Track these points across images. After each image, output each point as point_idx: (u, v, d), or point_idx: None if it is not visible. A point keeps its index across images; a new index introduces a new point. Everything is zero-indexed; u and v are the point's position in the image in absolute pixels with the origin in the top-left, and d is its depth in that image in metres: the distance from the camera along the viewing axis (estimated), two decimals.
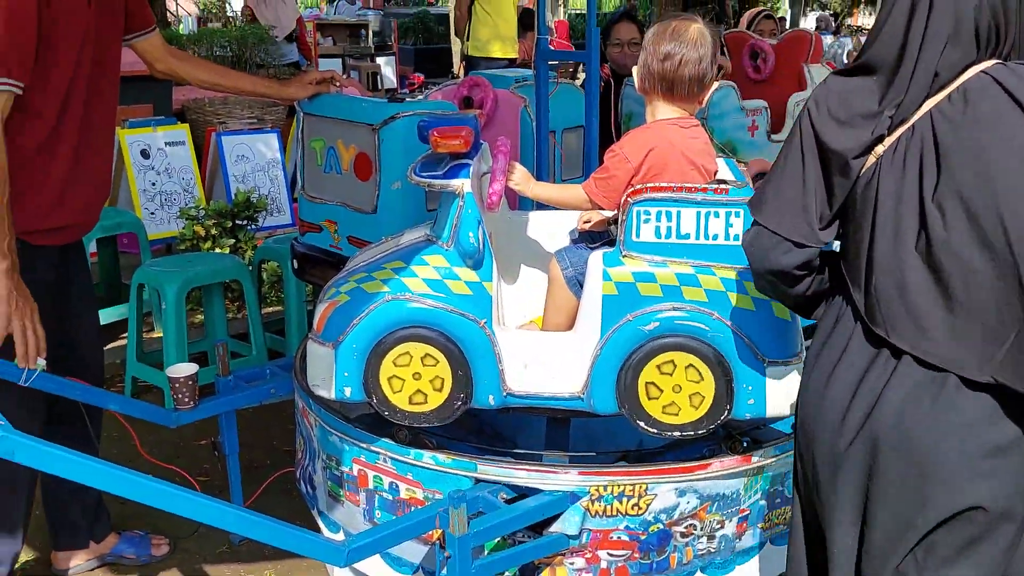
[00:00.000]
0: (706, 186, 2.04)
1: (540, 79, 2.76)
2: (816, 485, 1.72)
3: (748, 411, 2.11)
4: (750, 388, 2.08)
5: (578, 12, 21.12)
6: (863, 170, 1.58)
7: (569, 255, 2.24)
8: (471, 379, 2.12)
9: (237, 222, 4.78)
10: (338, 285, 2.21)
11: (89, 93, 2.40)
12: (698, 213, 2.03)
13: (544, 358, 2.13)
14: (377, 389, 2.14)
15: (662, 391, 2.09)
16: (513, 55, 7.52)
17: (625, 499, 2.21)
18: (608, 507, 2.20)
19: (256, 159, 5.61)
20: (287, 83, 2.88)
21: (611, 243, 2.22)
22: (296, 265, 3.15)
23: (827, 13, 21.54)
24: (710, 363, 2.06)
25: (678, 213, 2.03)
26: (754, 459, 2.28)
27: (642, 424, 2.12)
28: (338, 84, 2.83)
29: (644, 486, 2.21)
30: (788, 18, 16.44)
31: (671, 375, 2.08)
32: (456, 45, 12.86)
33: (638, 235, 2.05)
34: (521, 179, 2.22)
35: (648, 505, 2.21)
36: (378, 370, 2.12)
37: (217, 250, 4.55)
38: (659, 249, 2.05)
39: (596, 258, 2.09)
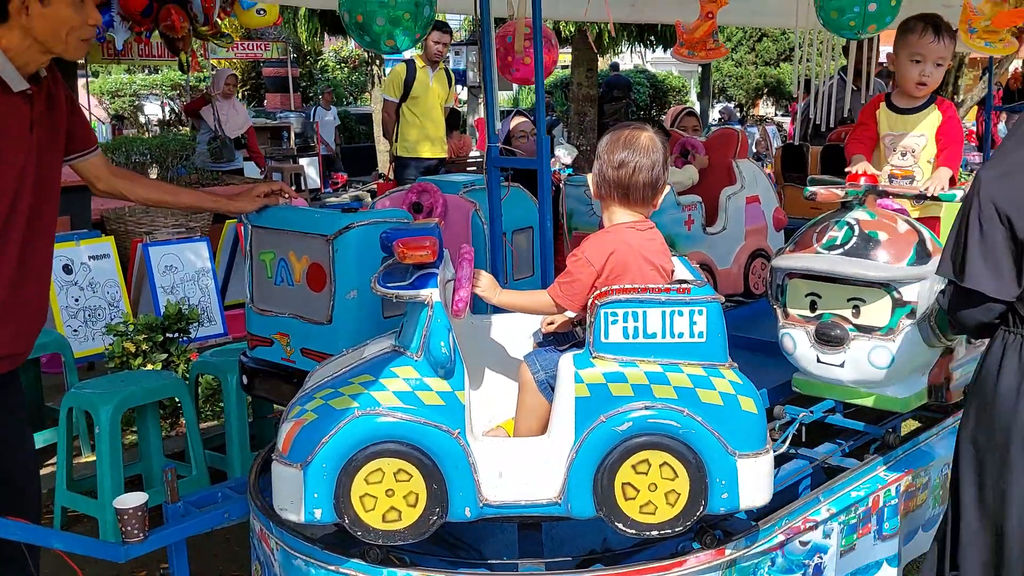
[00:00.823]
0: (669, 286, 2.09)
1: (492, 184, 2.81)
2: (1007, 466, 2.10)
3: (722, 505, 2.12)
4: (723, 482, 2.10)
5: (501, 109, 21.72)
6: None
7: (539, 359, 2.25)
8: (446, 492, 2.08)
9: (168, 335, 4.65)
10: (303, 403, 2.16)
11: (30, 219, 2.35)
12: (663, 313, 2.07)
13: (519, 465, 2.11)
14: (349, 509, 2.08)
15: (638, 491, 2.09)
16: (442, 155, 7.66)
17: None
18: None
19: (185, 269, 5.51)
20: (235, 197, 2.86)
21: (579, 344, 2.24)
22: (246, 380, 3.08)
23: (731, 105, 22.61)
24: (684, 460, 2.08)
25: (644, 313, 2.07)
26: (727, 552, 2.29)
27: (620, 525, 2.11)
28: (287, 196, 2.83)
29: None
30: (698, 109, 17.21)
31: (646, 474, 2.08)
32: (382, 145, 13.04)
33: (607, 336, 2.08)
34: (488, 287, 2.23)
35: None
36: (349, 489, 2.07)
37: (149, 366, 4.41)
38: (628, 349, 2.08)
39: (567, 361, 2.10)
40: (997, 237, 2.01)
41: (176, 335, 4.68)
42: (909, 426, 3.48)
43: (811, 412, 2.92)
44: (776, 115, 24.20)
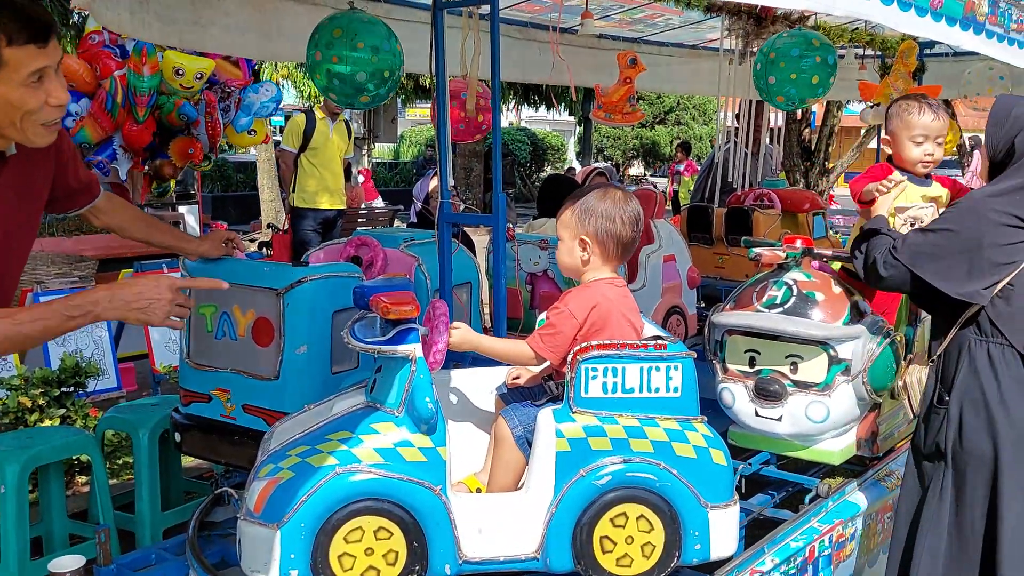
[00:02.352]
0: (646, 342, 2.16)
1: (444, 239, 2.83)
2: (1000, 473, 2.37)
3: (695, 555, 2.18)
4: (696, 533, 2.16)
5: (378, 160, 21.69)
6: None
7: (516, 414, 2.27)
8: (426, 550, 2.05)
9: (64, 390, 4.40)
10: (275, 460, 2.10)
11: None
12: (641, 368, 2.13)
13: (499, 521, 2.11)
14: (327, 569, 2.02)
15: (615, 544, 2.12)
16: (340, 206, 7.60)
17: None
18: None
19: None
20: (203, 240, 2.78)
21: (554, 399, 2.27)
22: (179, 438, 2.95)
23: (610, 164, 23.42)
24: (660, 512, 2.13)
25: (623, 369, 2.13)
26: None
27: None
28: (239, 248, 2.77)
29: None
30: (577, 167, 17.79)
31: (624, 527, 2.12)
32: (266, 194, 12.78)
33: (587, 391, 2.12)
34: (464, 335, 2.24)
35: None
36: (327, 549, 2.01)
37: (47, 422, 4.14)
38: (607, 404, 2.13)
39: (547, 416, 2.13)
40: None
41: (72, 389, 4.43)
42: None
43: (749, 464, 3.04)
44: (647, 176, 25.22)
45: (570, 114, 23.24)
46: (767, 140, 6.37)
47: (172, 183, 6.57)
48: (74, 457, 4.09)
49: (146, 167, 6.26)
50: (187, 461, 4.47)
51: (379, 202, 13.19)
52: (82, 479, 4.32)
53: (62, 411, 4.27)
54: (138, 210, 2.82)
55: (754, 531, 2.95)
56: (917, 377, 2.70)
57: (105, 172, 6.03)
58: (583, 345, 2.13)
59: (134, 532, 3.78)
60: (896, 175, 2.95)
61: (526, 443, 2.22)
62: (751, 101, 5.41)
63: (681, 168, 13.84)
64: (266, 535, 2.02)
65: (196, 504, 3.30)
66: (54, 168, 2.23)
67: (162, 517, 3.76)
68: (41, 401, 4.21)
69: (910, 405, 2.73)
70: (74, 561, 2.37)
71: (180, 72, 5.56)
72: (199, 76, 5.65)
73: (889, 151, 3.05)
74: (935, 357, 2.60)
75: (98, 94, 5.68)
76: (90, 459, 3.63)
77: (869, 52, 5.59)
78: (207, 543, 2.71)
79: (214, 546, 2.71)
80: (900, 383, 2.77)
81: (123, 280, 1.98)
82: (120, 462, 4.56)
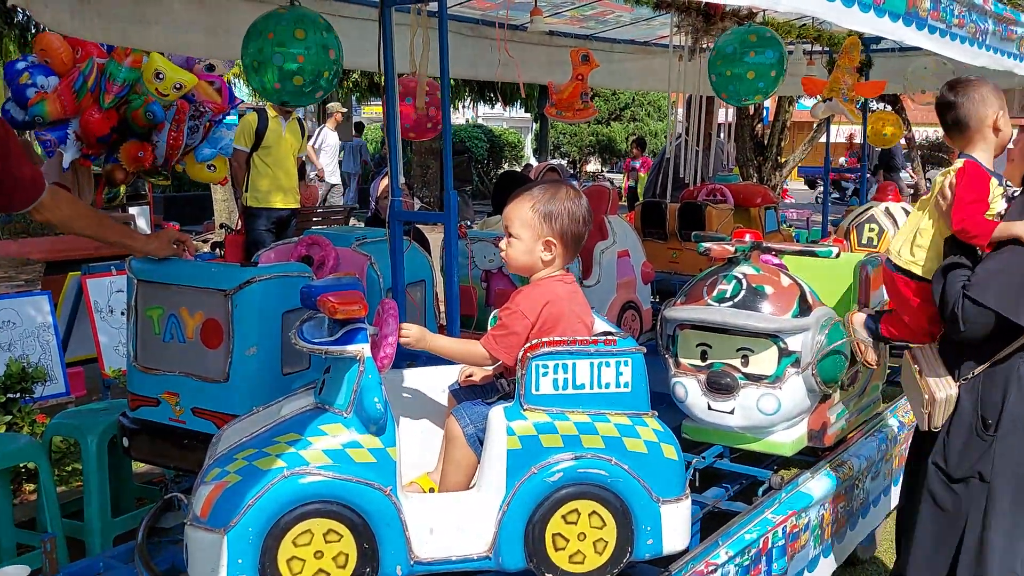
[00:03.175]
0: (597, 338, 2.16)
1: (395, 238, 2.81)
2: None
3: (647, 551, 2.18)
4: (648, 528, 2.16)
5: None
6: None
7: (468, 412, 2.25)
8: (377, 552, 2.03)
9: (10, 396, 4.29)
10: (222, 464, 2.06)
11: None
12: (591, 364, 2.13)
13: (450, 521, 2.10)
14: (275, 573, 1.98)
15: (568, 541, 2.12)
16: (294, 205, 7.51)
17: None
18: None
19: (24, 324, 5.11)
20: (151, 238, 2.72)
21: (505, 397, 2.26)
22: (127, 443, 2.89)
23: (565, 161, 23.49)
24: (612, 508, 2.13)
25: (574, 365, 2.12)
26: None
27: None
28: (188, 250, 2.72)
29: None
30: (534, 164, 17.81)
31: (576, 524, 2.12)
32: (219, 194, 12.60)
33: (537, 388, 2.12)
34: (417, 335, 2.22)
35: None
36: (276, 553, 1.98)
37: None
38: (558, 400, 2.13)
39: (497, 413, 2.12)
40: None
41: (19, 395, 4.33)
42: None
43: (703, 457, 3.06)
44: (603, 172, 25.31)
45: (526, 111, 23.27)
46: (719, 136, 6.43)
47: (122, 188, 6.44)
48: (21, 464, 4.00)
49: (94, 164, 6.13)
50: (139, 466, 4.39)
51: (336, 203, 13.10)
52: (29, 487, 4.23)
53: (8, 418, 4.17)
54: (85, 205, 2.77)
55: (709, 524, 2.98)
56: (947, 395, 2.56)
57: (50, 153, 5.90)
58: (534, 342, 2.12)
59: (84, 540, 3.70)
60: (994, 184, 2.64)
61: (477, 442, 2.21)
62: (701, 97, 5.45)
63: (637, 164, 13.94)
64: (213, 541, 1.98)
65: (147, 510, 3.24)
66: None
67: (112, 524, 3.68)
68: None
69: (928, 418, 2.60)
70: (18, 571, 2.34)
71: (160, 76, 5.44)
72: (178, 87, 5.55)
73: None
74: (967, 378, 2.54)
75: (70, 73, 5.54)
76: (37, 466, 3.54)
77: (817, 48, 5.66)
78: (157, 549, 2.66)
79: (164, 552, 2.67)
80: (927, 397, 2.57)
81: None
82: (69, 468, 4.47)
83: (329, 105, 14.53)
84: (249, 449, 2.07)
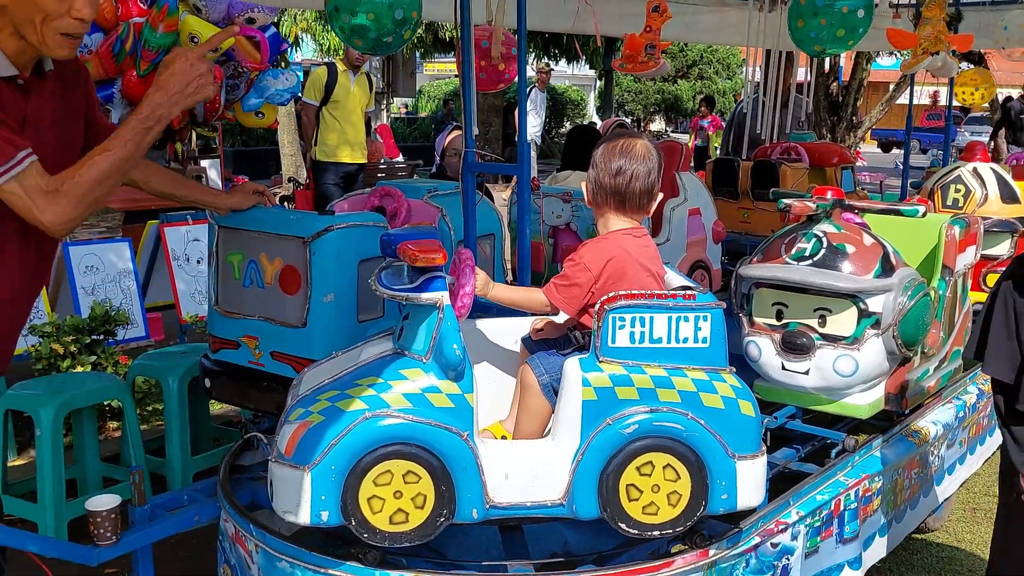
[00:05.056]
0: (675, 292, 2.15)
1: (468, 189, 2.81)
2: None
3: (721, 505, 2.18)
4: (723, 483, 2.16)
5: (396, 116, 21.62)
6: None
7: (543, 362, 2.27)
8: (454, 494, 2.08)
9: (94, 337, 4.46)
10: (306, 404, 2.12)
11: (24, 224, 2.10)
12: (669, 318, 2.12)
13: (525, 467, 2.13)
14: (356, 511, 2.04)
15: (642, 492, 2.13)
16: (362, 160, 7.58)
17: None
18: None
19: (106, 269, 5.27)
20: (231, 194, 2.77)
21: (580, 349, 2.27)
22: (208, 383, 2.98)
23: (627, 119, 23.18)
24: (687, 462, 2.13)
25: (651, 319, 2.12)
26: (711, 553, 2.36)
27: (623, 526, 2.15)
28: (268, 199, 2.77)
29: None
30: (598, 122, 17.63)
31: (650, 476, 2.13)
32: (287, 148, 12.78)
33: (614, 340, 2.12)
34: (482, 284, 2.25)
35: None
36: (357, 491, 2.04)
37: (79, 368, 4.21)
38: (634, 354, 2.13)
39: (573, 364, 2.13)
40: None
41: (103, 337, 4.49)
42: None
43: (775, 418, 3.04)
44: (668, 131, 24.90)
45: (591, 68, 22.95)
46: (801, 93, 6.26)
47: (179, 147, 6.49)
48: (106, 403, 4.16)
49: None
50: (215, 408, 4.54)
51: (399, 159, 13.16)
52: (113, 424, 4.40)
53: (93, 358, 4.33)
54: (160, 165, 2.81)
55: (778, 485, 2.96)
56: None
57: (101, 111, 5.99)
58: (611, 295, 2.12)
59: (164, 476, 3.85)
60: None
61: (551, 391, 2.23)
62: (779, 52, 5.31)
63: (705, 123, 13.68)
64: (297, 477, 2.05)
65: (226, 449, 3.35)
66: (86, 100, 2.24)
67: (192, 462, 3.82)
68: (73, 348, 4.27)
69: None
70: (110, 500, 2.44)
71: (195, 39, 5.47)
72: (215, 49, 5.56)
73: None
74: None
75: (110, 35, 5.62)
76: (121, 404, 3.69)
77: (903, 1, 5.46)
78: (237, 486, 2.76)
79: (244, 489, 2.76)
80: None
81: (159, 79, 2.07)
82: (150, 408, 4.64)
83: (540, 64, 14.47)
84: (332, 391, 2.12)
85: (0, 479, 3.44)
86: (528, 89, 13.56)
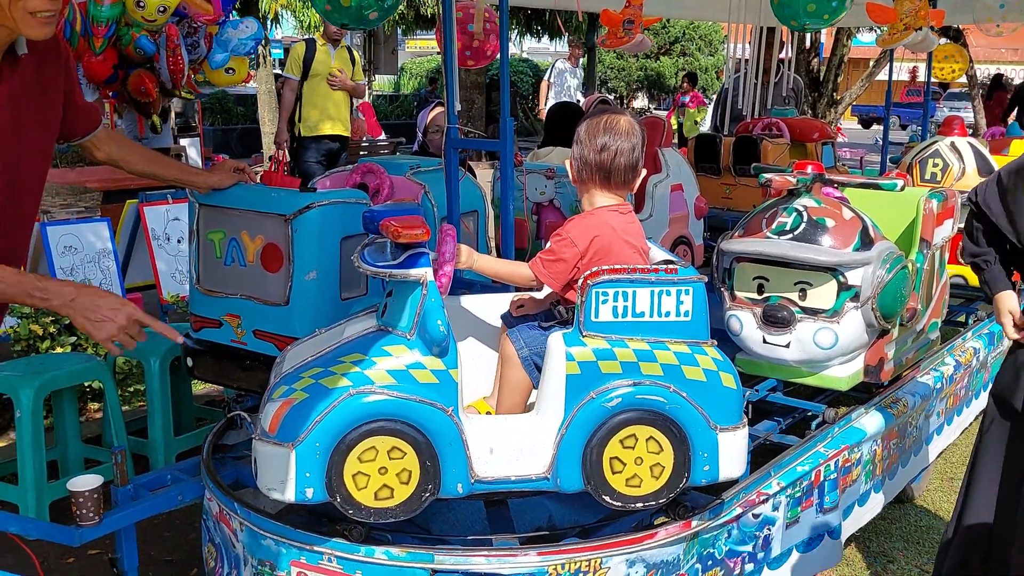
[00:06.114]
0: (657, 266, 2.16)
1: (451, 165, 2.81)
2: None
3: (703, 477, 2.21)
4: (705, 455, 2.19)
5: (379, 93, 21.46)
6: None
7: (523, 335, 2.28)
8: (439, 469, 2.09)
9: None
10: (289, 382, 2.12)
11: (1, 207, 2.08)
12: (652, 292, 2.14)
13: (510, 442, 2.14)
14: (341, 487, 2.05)
15: (625, 464, 2.15)
16: (344, 133, 7.54)
17: (581, 575, 2.24)
18: None
19: (85, 250, 5.22)
20: (211, 172, 2.75)
21: (563, 323, 2.28)
22: (191, 363, 2.97)
23: (610, 96, 23.10)
24: (669, 434, 2.15)
25: (634, 293, 2.13)
26: (693, 524, 2.39)
27: (607, 498, 2.17)
28: (249, 176, 2.75)
29: (599, 560, 2.25)
30: (581, 99, 17.55)
31: (633, 448, 2.15)
32: (267, 127, 12.68)
33: (597, 315, 2.13)
34: (466, 256, 2.25)
35: None
36: (342, 468, 2.04)
37: (58, 349, 4.18)
38: (617, 328, 2.14)
39: (557, 339, 2.14)
40: None
41: None
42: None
43: (756, 391, 3.07)
44: (651, 108, 24.85)
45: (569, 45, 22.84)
46: (789, 70, 6.26)
47: (156, 119, 6.40)
48: (86, 384, 4.14)
49: (112, 97, 6.11)
50: (198, 388, 4.53)
51: (382, 137, 13.07)
52: (94, 406, 4.38)
53: (73, 339, 4.30)
54: (139, 144, 2.78)
55: (760, 457, 2.99)
56: None
57: None
58: (594, 269, 2.12)
59: (147, 457, 3.85)
60: None
61: (532, 365, 2.24)
62: (761, 28, 5.31)
63: (687, 100, 13.64)
64: (282, 454, 2.05)
65: (208, 429, 3.35)
66: (63, 80, 2.20)
67: (175, 442, 3.82)
68: (52, 329, 4.24)
69: None
70: (93, 480, 2.43)
71: (141, 4, 5.35)
72: (162, 9, 5.41)
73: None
74: None
75: (58, 21, 5.51)
76: (102, 385, 3.67)
77: None
78: (221, 465, 2.76)
79: (228, 468, 2.76)
80: None
81: (94, 289, 1.99)
82: (131, 389, 4.61)
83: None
84: (315, 368, 2.12)
85: None
86: (555, 64, 13.39)
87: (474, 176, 4.78)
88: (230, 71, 6.19)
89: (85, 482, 2.42)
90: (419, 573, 2.17)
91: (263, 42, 15.46)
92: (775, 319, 2.86)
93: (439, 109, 5.16)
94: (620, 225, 2.27)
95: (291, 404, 2.07)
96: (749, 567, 2.63)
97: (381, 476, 2.07)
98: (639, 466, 2.16)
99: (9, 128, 1.97)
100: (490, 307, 2.62)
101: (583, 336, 2.14)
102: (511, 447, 2.14)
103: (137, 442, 3.89)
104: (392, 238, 2.07)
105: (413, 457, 2.07)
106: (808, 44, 8.86)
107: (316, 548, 2.21)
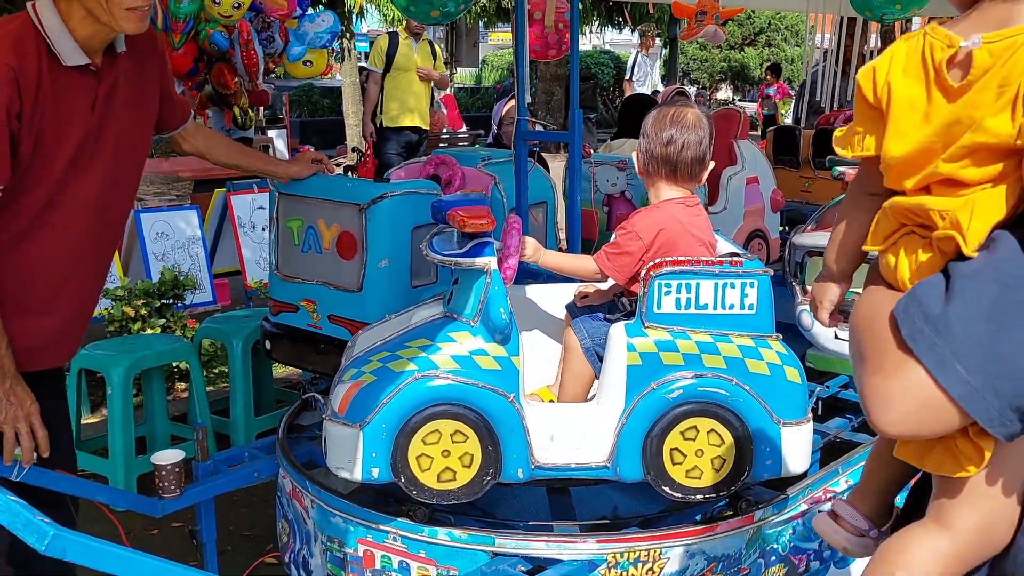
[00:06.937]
0: (722, 259, 2.16)
1: (520, 157, 2.85)
2: None
3: (766, 471, 2.20)
4: (767, 449, 2.18)
5: (460, 86, 21.66)
6: None
7: (585, 326, 2.31)
8: (500, 454, 2.13)
9: (164, 301, 4.63)
10: (358, 365, 2.19)
11: (97, 208, 2.20)
12: (715, 284, 2.14)
13: (570, 430, 2.17)
14: (406, 468, 2.12)
15: (685, 456, 2.16)
16: (424, 126, 7.67)
17: (640, 564, 2.25)
18: (623, 573, 2.24)
19: (176, 236, 5.45)
20: (292, 163, 2.86)
21: (627, 315, 2.30)
22: (269, 345, 3.09)
23: (692, 88, 22.79)
24: (731, 427, 2.16)
25: (697, 285, 2.13)
26: (756, 518, 2.38)
27: (667, 489, 2.18)
28: (328, 167, 2.85)
29: (659, 551, 2.26)
30: (661, 90, 17.40)
31: (694, 440, 2.16)
32: (351, 119, 12.93)
33: (659, 307, 2.14)
34: (532, 249, 2.29)
35: (661, 569, 2.26)
36: (407, 449, 2.11)
37: (148, 331, 4.38)
38: (679, 320, 2.15)
39: (619, 330, 2.16)
40: None
41: (171, 301, 4.66)
42: None
43: (827, 387, 3.03)
44: (735, 100, 24.42)
45: (657, 36, 22.61)
46: (868, 59, 6.10)
47: (236, 111, 6.60)
48: (174, 364, 4.33)
49: (194, 89, 6.32)
50: (279, 371, 4.69)
51: (463, 130, 13.21)
52: (181, 386, 4.58)
53: (162, 321, 4.50)
54: (225, 136, 2.91)
55: (830, 454, 2.96)
56: None
57: None
58: (657, 261, 2.14)
59: (228, 435, 4.01)
60: None
61: (594, 356, 2.27)
62: (842, 18, 5.19)
63: (771, 91, 13.40)
64: (350, 435, 2.13)
65: (285, 410, 3.48)
66: (159, 74, 2.32)
67: (255, 421, 3.97)
68: (143, 311, 4.45)
69: None
70: (174, 455, 2.55)
71: (217, 1, 5.53)
72: (237, 5, 5.54)
73: None
74: None
75: None
76: (189, 365, 3.84)
77: None
78: (296, 444, 2.86)
79: (302, 447, 2.86)
80: None
81: (16, 379, 2.07)
82: (216, 371, 4.80)
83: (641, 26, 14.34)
84: (383, 352, 2.19)
85: (74, 435, 3.61)
86: (635, 55, 13.31)
87: (546, 168, 4.83)
88: (308, 63, 6.33)
89: (168, 456, 2.54)
90: (480, 555, 2.22)
91: (348, 35, 15.82)
92: (847, 314, 2.80)
93: (513, 102, 5.22)
94: (686, 218, 2.27)
95: (360, 386, 2.14)
96: (815, 564, 2.60)
97: (444, 459, 2.12)
98: (700, 458, 2.17)
99: (112, 123, 2.09)
100: (555, 297, 2.65)
101: (645, 327, 2.15)
102: (572, 435, 2.17)
103: (220, 421, 4.06)
104: (458, 227, 2.12)
105: (475, 441, 2.12)
106: (896, 35, 8.60)
107: (382, 527, 2.28)
